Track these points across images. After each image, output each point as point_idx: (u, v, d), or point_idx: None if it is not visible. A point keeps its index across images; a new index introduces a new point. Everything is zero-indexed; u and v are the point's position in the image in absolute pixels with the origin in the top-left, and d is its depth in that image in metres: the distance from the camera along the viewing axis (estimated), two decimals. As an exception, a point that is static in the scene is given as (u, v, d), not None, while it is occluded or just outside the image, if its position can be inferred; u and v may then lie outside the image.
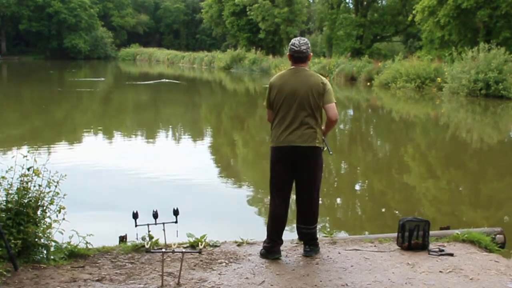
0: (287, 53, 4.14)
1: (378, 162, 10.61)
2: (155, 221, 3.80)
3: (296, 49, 4.00)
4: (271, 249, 4.13)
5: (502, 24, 26.01)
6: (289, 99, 3.96)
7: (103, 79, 33.10)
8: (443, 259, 4.22)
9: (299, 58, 4.01)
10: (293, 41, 4.07)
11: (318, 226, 6.45)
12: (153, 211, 3.80)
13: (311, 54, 4.12)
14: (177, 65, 51.34)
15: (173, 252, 3.70)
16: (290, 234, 5.82)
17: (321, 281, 3.74)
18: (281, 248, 4.44)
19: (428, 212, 7.03)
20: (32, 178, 3.97)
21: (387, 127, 15.79)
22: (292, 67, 4.07)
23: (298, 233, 4.32)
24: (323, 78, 4.07)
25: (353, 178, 9.24)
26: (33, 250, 3.91)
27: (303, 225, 4.26)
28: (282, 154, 4.09)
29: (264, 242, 4.20)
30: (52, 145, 11.06)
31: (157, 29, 76.59)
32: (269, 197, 4.29)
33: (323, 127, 4.12)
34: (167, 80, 30.81)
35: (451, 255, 4.30)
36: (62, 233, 4.02)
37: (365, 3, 39.93)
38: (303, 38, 4.11)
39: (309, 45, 4.08)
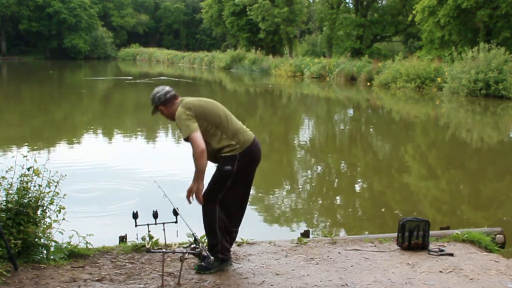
0: (157, 107, 3.88)
1: (378, 162, 10.61)
2: (155, 221, 3.80)
3: (162, 92, 3.86)
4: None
5: (502, 24, 26.01)
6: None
7: (131, 77, 33.75)
8: (443, 259, 4.22)
9: (172, 95, 3.85)
10: (154, 92, 3.89)
11: (320, 226, 6.48)
12: (153, 211, 3.80)
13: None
14: (177, 65, 51.33)
15: (174, 252, 3.70)
16: (290, 234, 5.83)
17: (321, 281, 3.75)
18: (281, 248, 4.45)
19: (428, 212, 7.03)
20: (32, 178, 3.97)
21: (387, 127, 15.79)
22: (180, 99, 3.89)
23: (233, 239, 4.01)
24: None
25: (353, 178, 9.24)
26: (33, 250, 3.91)
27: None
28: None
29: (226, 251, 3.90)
30: (52, 145, 11.07)
31: (157, 29, 76.59)
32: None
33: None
34: (186, 80, 31.19)
35: (451, 255, 4.31)
36: (62, 233, 4.02)
37: (365, 3, 39.93)
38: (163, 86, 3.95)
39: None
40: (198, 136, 3.66)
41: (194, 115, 3.73)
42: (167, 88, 3.93)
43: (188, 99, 3.88)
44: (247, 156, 3.81)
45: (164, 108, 3.90)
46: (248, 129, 3.94)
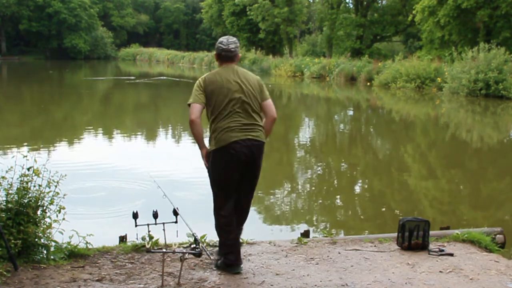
0: (214, 53, 3.98)
1: (378, 162, 10.61)
2: (155, 221, 3.80)
3: (224, 47, 3.83)
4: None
5: (502, 24, 26.01)
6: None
7: (133, 77, 33.84)
8: (443, 259, 4.22)
9: (227, 56, 3.85)
10: (220, 39, 3.92)
11: (320, 226, 6.48)
12: (153, 211, 3.80)
13: (240, 55, 3.96)
14: (177, 65, 51.33)
15: (174, 252, 3.70)
16: (290, 234, 5.84)
17: (321, 281, 3.74)
18: (281, 248, 4.44)
19: (428, 212, 7.03)
20: (32, 178, 3.97)
21: (387, 127, 15.79)
22: (222, 66, 3.89)
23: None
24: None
25: (353, 178, 9.24)
26: (33, 250, 3.91)
27: None
28: None
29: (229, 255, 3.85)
30: (52, 145, 11.06)
31: (157, 29, 76.55)
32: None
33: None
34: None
35: (451, 255, 4.30)
36: (62, 233, 4.02)
37: (365, 3, 39.92)
38: (232, 37, 3.95)
39: (238, 45, 3.91)
40: (194, 107, 3.73)
41: (203, 89, 3.78)
42: (231, 46, 3.84)
43: (212, 74, 3.85)
44: (220, 157, 3.71)
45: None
46: (246, 131, 3.72)
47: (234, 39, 3.92)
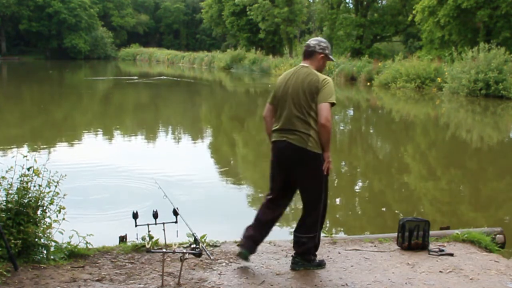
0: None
1: (378, 162, 10.61)
2: (155, 221, 3.80)
3: (307, 43, 4.01)
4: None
5: (502, 24, 26.02)
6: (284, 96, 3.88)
7: (136, 77, 33.87)
8: (443, 259, 4.23)
9: (306, 52, 3.95)
10: (315, 39, 4.04)
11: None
12: (153, 211, 3.80)
13: (322, 54, 3.86)
14: (177, 65, 51.32)
15: (174, 252, 3.70)
16: (290, 234, 5.83)
17: (321, 281, 3.75)
18: (281, 248, 4.45)
19: (428, 212, 7.03)
20: (32, 178, 3.97)
21: (387, 127, 15.79)
22: (299, 66, 3.97)
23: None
24: (322, 77, 3.80)
25: (353, 178, 9.24)
26: (33, 250, 3.91)
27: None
28: None
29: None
30: (52, 145, 11.06)
31: (157, 29, 76.58)
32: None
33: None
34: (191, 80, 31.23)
35: (451, 255, 4.31)
36: (62, 233, 4.02)
37: (365, 3, 39.94)
38: (319, 38, 3.99)
39: (323, 45, 3.89)
40: (266, 106, 4.04)
41: (275, 89, 3.98)
42: (311, 42, 3.96)
43: (285, 73, 4.00)
44: (272, 152, 4.03)
45: None
46: (282, 133, 3.84)
47: (322, 39, 4.00)
